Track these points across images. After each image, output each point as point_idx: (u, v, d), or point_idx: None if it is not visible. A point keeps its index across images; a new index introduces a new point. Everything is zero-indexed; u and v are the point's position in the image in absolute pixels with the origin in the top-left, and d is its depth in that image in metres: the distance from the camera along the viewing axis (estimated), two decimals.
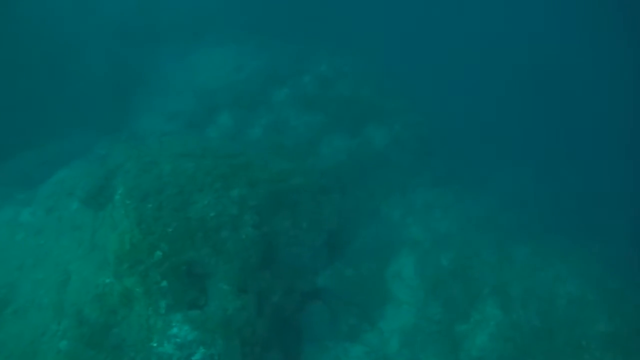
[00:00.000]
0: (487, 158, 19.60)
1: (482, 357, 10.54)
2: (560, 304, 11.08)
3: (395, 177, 15.68)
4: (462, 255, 13.06)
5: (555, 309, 10.96)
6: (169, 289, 7.73)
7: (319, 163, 14.80)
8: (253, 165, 10.54)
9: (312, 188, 11.82)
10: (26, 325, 8.21)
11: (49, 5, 16.02)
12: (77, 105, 14.82)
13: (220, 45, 20.06)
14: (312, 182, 12.36)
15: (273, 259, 9.93)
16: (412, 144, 16.47)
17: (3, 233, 10.03)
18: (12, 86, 13.32)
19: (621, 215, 18.89)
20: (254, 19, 21.46)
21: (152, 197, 8.60)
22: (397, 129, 16.42)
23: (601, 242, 16.23)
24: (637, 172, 20.67)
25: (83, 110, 14.86)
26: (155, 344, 7.31)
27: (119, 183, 8.98)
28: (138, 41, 19.18)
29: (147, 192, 8.65)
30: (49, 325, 8.05)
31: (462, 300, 11.31)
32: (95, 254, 8.44)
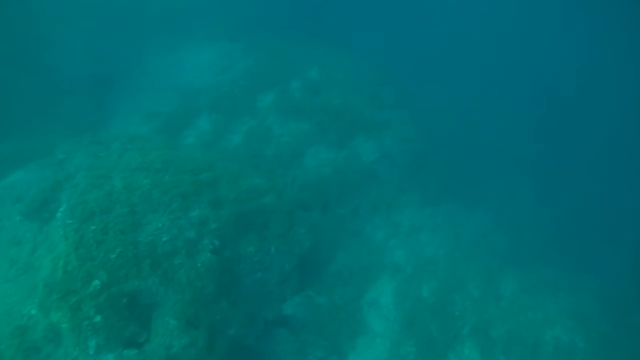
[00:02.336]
0: (483, 174, 18.68)
1: None
2: (545, 351, 10.21)
3: (382, 195, 14.79)
4: (445, 285, 12.20)
5: (540, 356, 10.09)
6: (104, 324, 6.91)
7: (301, 176, 13.92)
8: (220, 182, 9.68)
9: (285, 207, 10.95)
10: None
11: None
12: (48, 101, 13.99)
13: (210, 42, 19.13)
14: (286, 200, 11.50)
15: (233, 287, 9.09)
16: (403, 160, 15.55)
17: None
18: None
19: (622, 243, 18.01)
20: (248, 16, 20.50)
21: (98, 217, 7.76)
22: (388, 142, 15.50)
23: (597, 273, 15.37)
24: None
25: (54, 107, 14.03)
26: None
27: (64, 198, 8.13)
28: (124, 33, 18.25)
29: (92, 211, 7.81)
30: None
31: (440, 339, 10.46)
32: (27, 278, 7.62)
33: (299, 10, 21.12)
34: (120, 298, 7.31)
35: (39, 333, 6.99)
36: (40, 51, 14.72)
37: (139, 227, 8.02)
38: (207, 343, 8.02)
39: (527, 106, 22.69)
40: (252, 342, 9.44)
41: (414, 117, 16.14)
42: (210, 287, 8.38)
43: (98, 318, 6.88)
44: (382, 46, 20.55)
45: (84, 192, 8.10)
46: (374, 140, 15.34)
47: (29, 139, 12.42)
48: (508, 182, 18.82)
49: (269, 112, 14.98)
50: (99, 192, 8.15)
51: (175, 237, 8.27)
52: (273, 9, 21.09)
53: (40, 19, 14.85)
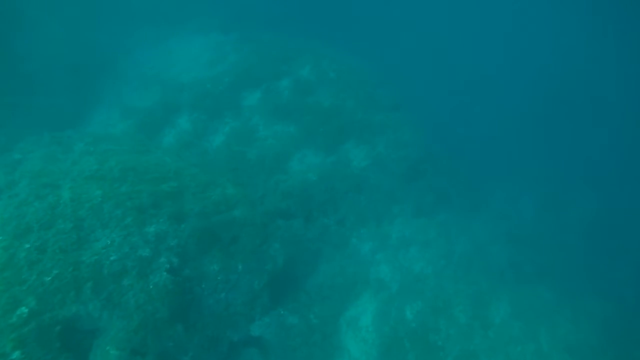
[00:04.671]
0: (482, 184, 17.68)
1: None
2: None
3: (372, 205, 13.89)
4: (431, 308, 11.34)
5: None
6: None
7: (284, 182, 13.06)
8: (185, 193, 8.87)
9: (259, 219, 10.13)
10: None
11: None
12: (18, 92, 13.19)
13: (201, 33, 18.23)
14: (262, 211, 10.68)
15: (192, 309, 8.34)
16: (396, 167, 14.59)
17: None
18: None
19: (629, 262, 16.97)
20: (243, 6, 19.50)
21: (35, 234, 7.01)
22: (381, 148, 14.53)
23: (600, 296, 14.40)
24: None
25: (25, 99, 13.25)
26: None
27: (0, 209, 7.38)
28: (111, 21, 17.43)
29: (29, 226, 7.07)
30: None
31: None
32: None
33: (296, 3, 20.02)
34: (51, 327, 6.58)
35: None
36: (9, 37, 13.88)
37: (83, 245, 7.27)
38: None
39: (530, 111, 21.44)
40: None
41: (410, 121, 15.13)
42: (163, 310, 7.64)
43: (17, 354, 6.13)
44: (380, 45, 19.43)
45: (22, 204, 7.36)
46: (366, 145, 14.40)
47: None
48: (509, 191, 17.79)
49: (254, 112, 14.10)
50: (41, 204, 7.40)
51: (125, 256, 7.51)
52: (270, 1, 20.07)
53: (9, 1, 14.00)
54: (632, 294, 15.46)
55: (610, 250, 17.65)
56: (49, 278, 6.71)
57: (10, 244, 6.76)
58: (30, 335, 6.22)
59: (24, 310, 6.32)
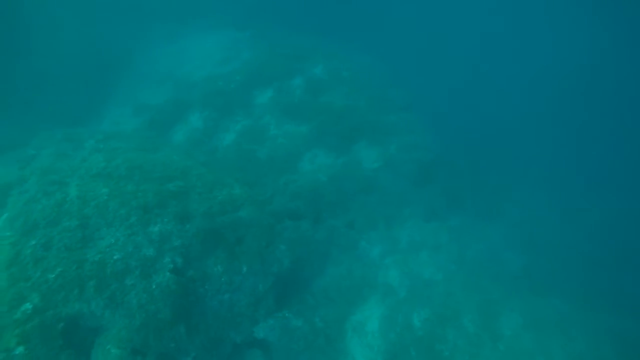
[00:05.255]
0: (499, 187, 17.15)
1: None
2: None
3: (382, 207, 13.65)
4: (439, 316, 11.05)
5: None
6: (26, 356, 6.22)
7: (294, 182, 12.94)
8: (191, 193, 8.83)
9: (265, 221, 10.03)
10: None
11: None
12: (34, 88, 13.42)
13: (216, 30, 18.24)
14: (269, 212, 10.58)
15: (195, 309, 8.31)
16: (408, 169, 14.30)
17: None
18: None
19: None
20: (258, 3, 19.38)
21: (42, 231, 7.07)
22: (393, 149, 14.26)
23: (619, 310, 13.80)
24: None
25: (40, 95, 13.47)
26: None
27: (10, 205, 7.47)
28: (128, 18, 17.58)
29: (36, 223, 7.13)
30: None
31: None
32: None
33: (311, 1, 19.79)
34: (55, 324, 6.63)
35: None
36: (28, 34, 14.13)
37: (88, 243, 7.30)
38: None
39: (549, 113, 20.68)
40: None
41: (423, 122, 14.79)
42: (165, 310, 7.62)
43: (20, 349, 6.19)
44: (394, 44, 19.04)
45: (30, 201, 7.43)
46: (378, 147, 14.14)
47: (10, 129, 11.91)
48: (525, 197, 17.23)
49: (265, 111, 14.01)
50: (48, 201, 7.46)
51: (129, 255, 7.52)
52: None
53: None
54: None
55: (631, 262, 16.96)
56: (53, 275, 6.76)
57: (18, 240, 6.84)
58: (34, 332, 6.28)
59: (28, 306, 6.38)
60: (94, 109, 14.24)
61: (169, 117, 13.42)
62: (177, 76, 15.64)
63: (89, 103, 14.26)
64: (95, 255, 7.18)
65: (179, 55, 17.06)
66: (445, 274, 12.57)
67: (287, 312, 10.29)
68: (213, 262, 8.67)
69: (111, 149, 9.31)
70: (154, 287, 7.52)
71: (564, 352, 10.48)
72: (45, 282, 6.65)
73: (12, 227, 6.96)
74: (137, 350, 7.24)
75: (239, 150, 12.90)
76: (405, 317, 11.01)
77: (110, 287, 7.18)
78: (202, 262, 8.51)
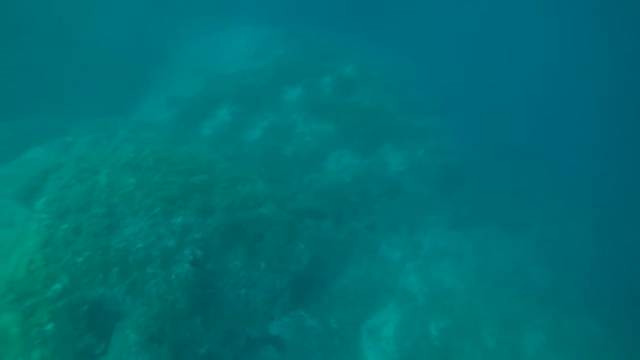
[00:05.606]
0: (530, 197, 16.44)
1: None
2: None
3: (406, 211, 13.42)
4: (458, 327, 10.77)
5: None
6: (55, 333, 6.56)
7: (318, 181, 12.93)
8: (215, 187, 8.99)
9: (286, 219, 10.08)
10: None
11: None
12: (79, 77, 14.04)
13: (250, 26, 18.44)
14: (290, 210, 10.62)
15: (212, 302, 8.47)
16: (435, 174, 13.98)
17: None
18: (9, 53, 12.70)
19: None
20: (293, 0, 19.41)
21: (73, 216, 7.40)
22: (420, 153, 13.97)
23: None
24: None
25: (84, 84, 14.08)
26: None
27: (47, 189, 7.86)
28: (167, 12, 18.06)
29: (68, 208, 7.46)
30: None
31: None
32: (5, 267, 7.46)
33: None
34: (80, 305, 6.94)
35: None
36: (78, 25, 14.78)
37: (113, 231, 7.57)
38: None
39: (589, 123, 19.53)
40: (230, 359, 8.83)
41: (454, 127, 14.38)
42: (183, 301, 7.81)
43: (50, 326, 6.54)
44: (429, 45, 18.56)
45: (65, 186, 7.78)
46: (405, 150, 13.89)
47: (54, 116, 12.54)
48: (559, 209, 16.44)
49: (293, 108, 14.04)
50: (80, 187, 7.79)
51: (151, 245, 7.74)
52: None
53: None
54: None
55: None
56: (81, 259, 7.06)
57: (52, 223, 7.20)
58: (63, 311, 6.60)
59: (58, 286, 6.70)
60: (130, 99, 14.75)
61: (199, 111, 13.70)
62: (209, 70, 15.94)
63: (125, 93, 14.78)
64: (119, 242, 7.44)
65: (212, 50, 17.37)
66: (466, 284, 12.23)
67: (303, 311, 10.31)
68: (232, 257, 8.79)
69: (141, 140, 9.61)
70: (173, 277, 7.71)
71: None
72: (74, 265, 6.96)
73: (48, 210, 7.34)
74: (154, 338, 7.46)
75: (265, 146, 13.00)
76: (423, 326, 10.80)
77: (132, 274, 7.43)
78: (221, 256, 8.65)
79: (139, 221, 7.79)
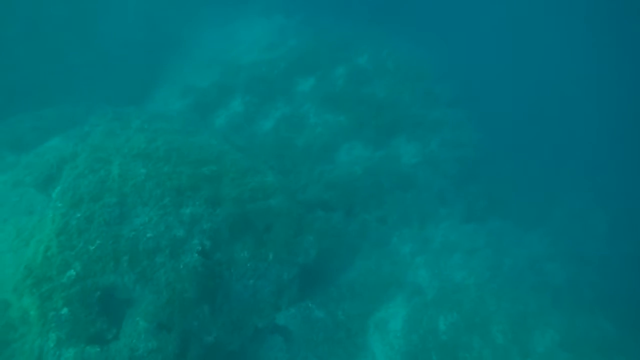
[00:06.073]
0: (547, 192, 15.99)
1: None
2: None
3: (418, 205, 13.28)
4: (466, 322, 10.67)
5: None
6: (70, 317, 6.82)
7: (329, 173, 12.90)
8: (224, 178, 9.08)
9: (295, 210, 10.11)
10: None
11: None
12: (98, 67, 14.30)
13: (265, 15, 18.33)
14: (299, 202, 10.65)
15: (220, 292, 8.62)
16: (449, 167, 13.75)
17: None
18: (31, 41, 13.00)
19: None
20: None
21: (86, 205, 7.61)
22: (434, 146, 13.74)
23: None
24: None
25: (102, 74, 14.34)
26: None
27: (63, 178, 8.10)
28: (182, 3, 18.11)
29: (82, 197, 7.68)
30: None
31: None
32: (25, 252, 7.78)
33: None
34: (93, 291, 7.17)
35: (16, 312, 7.13)
36: (97, 16, 14.99)
37: (124, 220, 7.76)
38: (178, 349, 7.69)
39: (613, 113, 18.69)
40: (236, 349, 9.01)
41: (470, 119, 14.05)
42: (191, 290, 7.97)
43: (65, 310, 6.79)
44: (445, 34, 18.04)
45: (79, 176, 8.00)
46: (418, 142, 13.68)
47: (73, 105, 12.84)
48: (577, 204, 15.95)
49: (306, 99, 13.98)
50: (93, 177, 7.99)
51: (160, 235, 7.90)
52: None
53: None
54: None
55: None
56: (93, 247, 7.27)
57: (67, 212, 7.43)
58: (76, 297, 6.84)
59: (72, 273, 6.94)
60: (145, 88, 14.95)
61: (213, 101, 13.80)
62: (223, 60, 15.97)
63: (141, 83, 14.99)
64: (130, 232, 7.62)
65: (227, 39, 17.38)
66: (477, 279, 12.06)
67: (310, 303, 10.40)
68: (240, 248, 8.90)
69: (154, 130, 9.75)
70: (181, 266, 7.87)
71: None
72: (86, 253, 7.18)
73: (63, 198, 7.56)
74: (163, 325, 7.66)
75: (276, 137, 13.02)
76: (431, 320, 10.75)
77: (141, 263, 7.61)
78: (229, 247, 8.77)
79: (149, 211, 7.95)
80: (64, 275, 7.00)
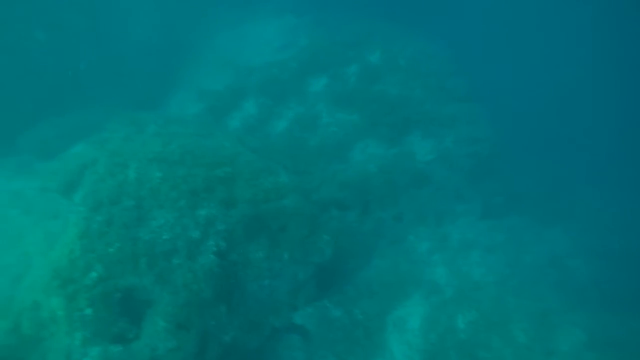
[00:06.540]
0: (567, 186, 15.58)
1: None
2: None
3: (434, 202, 13.14)
4: (486, 320, 10.48)
5: None
6: (93, 317, 7.04)
7: (343, 172, 12.89)
8: (238, 179, 9.19)
9: (309, 211, 10.14)
10: None
11: None
12: (114, 73, 14.65)
13: (276, 16, 18.42)
14: (314, 202, 10.67)
15: (236, 292, 8.72)
16: (465, 162, 13.55)
17: (4, 203, 10.20)
18: (52, 50, 13.44)
19: None
20: None
21: (105, 208, 7.83)
22: (449, 142, 13.56)
23: None
24: None
25: (119, 79, 14.69)
26: None
27: (84, 182, 8.35)
28: (194, 5, 18.37)
29: (102, 201, 7.90)
30: None
31: None
32: (52, 255, 8.05)
33: None
34: (113, 293, 7.37)
35: (46, 312, 7.39)
36: (113, 23, 15.36)
37: (142, 223, 7.94)
38: (197, 348, 7.82)
39: (638, 106, 18.03)
40: (254, 348, 9.11)
41: (485, 114, 13.81)
42: (207, 291, 8.09)
43: (89, 311, 7.01)
44: (458, 29, 17.74)
45: (99, 180, 8.23)
46: (433, 139, 13.53)
47: (93, 112, 13.19)
48: (601, 199, 15.49)
49: (319, 99, 14.00)
50: (112, 181, 8.21)
51: (177, 236, 8.06)
52: None
53: None
54: None
55: None
56: (113, 250, 7.47)
57: (88, 215, 7.67)
58: (98, 297, 7.05)
59: (94, 274, 7.16)
60: (161, 94, 15.25)
61: (227, 103, 13.97)
62: (236, 62, 16.15)
63: (156, 88, 15.29)
64: (147, 234, 7.80)
65: (239, 41, 17.55)
66: (497, 276, 11.85)
67: (327, 302, 10.42)
68: (255, 248, 8.99)
69: (169, 134, 9.94)
70: (198, 267, 8.00)
71: None
72: (107, 255, 7.38)
73: (85, 202, 7.81)
74: (182, 325, 7.80)
75: (290, 137, 13.09)
76: (449, 318, 10.61)
77: (159, 264, 7.78)
78: (244, 247, 8.86)
79: (165, 213, 8.11)
80: (86, 277, 7.22)
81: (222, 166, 9.32)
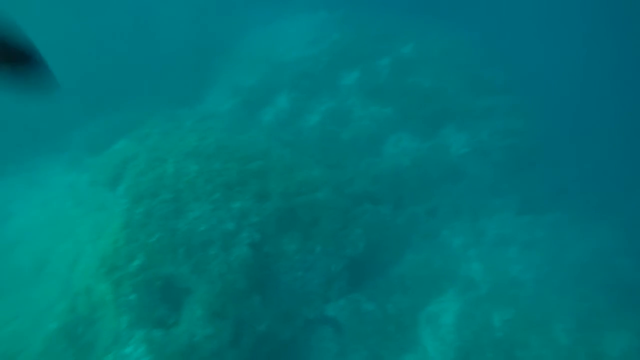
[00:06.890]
0: (612, 179, 14.68)
1: None
2: None
3: (469, 196, 12.80)
4: (524, 319, 10.12)
5: None
6: (137, 303, 7.43)
7: (376, 165, 12.80)
8: (271, 173, 9.35)
9: (342, 204, 10.17)
10: (38, 294, 8.94)
11: None
12: (155, 73, 15.25)
13: (308, 12, 18.49)
14: (346, 195, 10.67)
15: (269, 283, 8.91)
16: (500, 157, 13.09)
17: (58, 197, 10.94)
18: (101, 54, 14.17)
19: None
20: None
21: (146, 200, 8.20)
22: (484, 135, 13.13)
23: None
24: None
25: (159, 79, 15.27)
26: (111, 359, 7.19)
27: (127, 176, 8.79)
28: (227, 5, 18.78)
29: (142, 194, 8.28)
30: (52, 302, 8.60)
31: None
32: (99, 243, 8.57)
33: None
34: (155, 280, 7.73)
35: (96, 296, 7.88)
36: (149, 23, 15.98)
37: (180, 215, 8.25)
38: (232, 336, 8.08)
39: None
40: (287, 338, 9.28)
41: (523, 106, 13.25)
42: (242, 281, 8.32)
43: (133, 296, 7.40)
44: (494, 17, 17.02)
45: (140, 174, 8.62)
46: (468, 131, 13.15)
47: (135, 110, 13.82)
48: None
49: (351, 92, 13.94)
50: (152, 175, 8.58)
51: (212, 228, 8.32)
52: None
53: None
54: None
55: None
56: (153, 240, 7.83)
57: (130, 207, 8.09)
58: (141, 284, 7.44)
59: (137, 263, 7.55)
60: (197, 91, 15.71)
61: (260, 98, 14.19)
62: (269, 58, 16.35)
63: (193, 86, 15.77)
64: (184, 225, 8.10)
65: (273, 38, 17.75)
66: (536, 274, 11.39)
67: (359, 295, 10.42)
68: (288, 241, 9.13)
69: (204, 129, 10.24)
70: (232, 258, 8.23)
71: None
72: (147, 245, 7.75)
73: (127, 195, 8.24)
74: (218, 313, 8.07)
75: (322, 131, 13.13)
76: (485, 315, 10.33)
77: (196, 255, 8.07)
78: (277, 240, 9.02)
79: (201, 206, 8.38)
80: (130, 264, 7.62)
81: (255, 160, 9.51)
